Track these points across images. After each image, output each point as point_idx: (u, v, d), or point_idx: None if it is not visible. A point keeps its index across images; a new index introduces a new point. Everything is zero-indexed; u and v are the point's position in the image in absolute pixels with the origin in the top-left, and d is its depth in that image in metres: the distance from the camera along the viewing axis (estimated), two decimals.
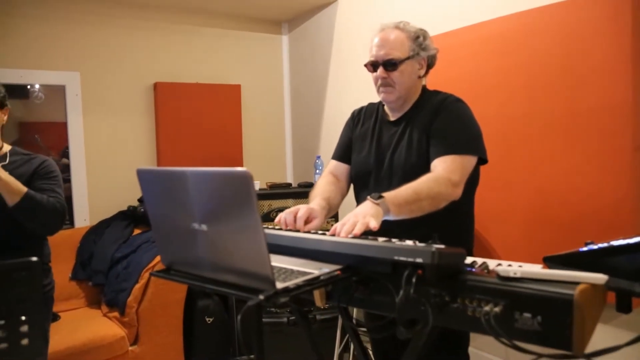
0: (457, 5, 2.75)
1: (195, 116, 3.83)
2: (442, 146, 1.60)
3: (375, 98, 1.86)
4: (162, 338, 2.94)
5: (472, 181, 1.65)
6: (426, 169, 1.59)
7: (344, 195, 1.86)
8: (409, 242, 1.07)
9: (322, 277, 1.02)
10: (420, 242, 1.08)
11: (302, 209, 1.49)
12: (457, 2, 2.74)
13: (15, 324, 1.09)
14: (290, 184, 3.76)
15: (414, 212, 1.46)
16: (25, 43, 3.34)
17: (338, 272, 1.05)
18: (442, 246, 1.01)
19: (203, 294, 3.20)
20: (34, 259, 1.05)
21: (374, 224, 1.28)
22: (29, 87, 5.31)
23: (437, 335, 1.13)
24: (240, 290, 0.96)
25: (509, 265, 1.05)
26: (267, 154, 4.28)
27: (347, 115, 1.97)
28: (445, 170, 1.53)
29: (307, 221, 1.48)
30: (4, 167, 1.78)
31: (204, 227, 0.99)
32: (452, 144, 1.58)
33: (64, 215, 1.89)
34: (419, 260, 0.99)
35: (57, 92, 3.57)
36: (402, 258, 1.01)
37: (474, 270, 1.06)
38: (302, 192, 3.33)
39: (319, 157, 3.53)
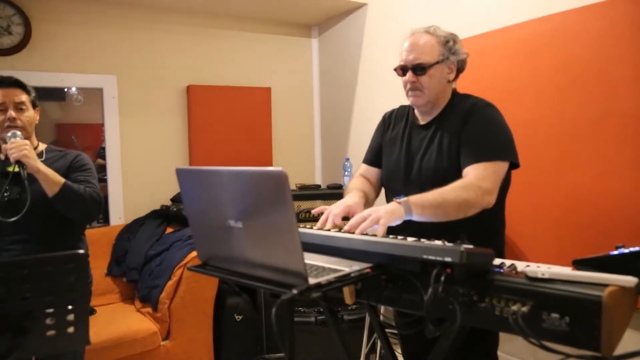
0: (487, 9, 2.74)
1: (226, 118, 3.91)
2: (473, 153, 1.59)
3: (405, 101, 1.88)
4: (192, 334, 3.01)
5: (504, 185, 1.64)
6: (456, 173, 1.60)
7: (376, 195, 1.89)
8: (438, 242, 1.09)
9: (352, 275, 1.05)
10: (449, 242, 1.10)
11: (339, 207, 1.53)
12: (488, 5, 2.74)
13: (62, 313, 1.16)
14: (319, 186, 3.80)
15: (439, 217, 1.47)
16: (66, 48, 3.47)
17: (368, 270, 1.09)
18: (471, 246, 1.03)
19: (233, 292, 3.27)
20: (81, 251, 1.11)
21: (383, 221, 1.32)
22: (65, 90, 5.49)
23: (466, 336, 1.15)
24: (273, 285, 1.00)
25: (538, 267, 1.06)
26: (296, 156, 4.33)
27: (376, 118, 1.99)
28: (476, 178, 1.53)
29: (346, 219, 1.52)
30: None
31: (239, 224, 1.04)
32: (484, 151, 1.58)
33: (100, 203, 1.97)
34: (448, 259, 1.01)
35: (92, 95, 3.69)
36: (431, 257, 1.03)
37: (502, 271, 1.08)
38: (331, 193, 3.37)
39: (347, 159, 3.56)
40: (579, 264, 1.12)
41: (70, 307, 1.17)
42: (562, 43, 2.31)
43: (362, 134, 3.77)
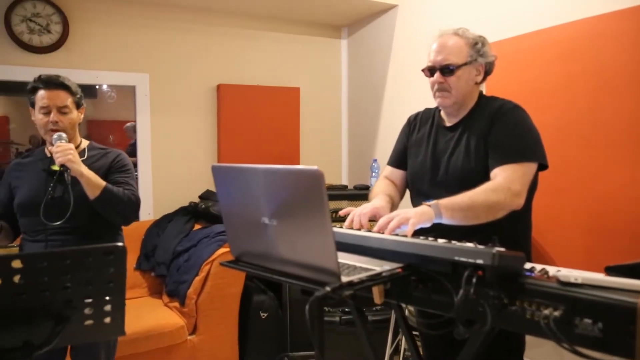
0: (520, 12, 2.71)
1: (255, 117, 3.95)
2: (501, 155, 1.59)
3: (434, 103, 1.88)
4: (218, 330, 3.06)
5: (531, 187, 1.64)
6: (483, 175, 1.60)
7: (401, 197, 1.90)
8: (469, 244, 1.10)
9: (384, 274, 1.06)
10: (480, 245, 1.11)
11: (367, 208, 1.55)
12: (520, 9, 2.71)
13: (100, 303, 1.20)
14: (346, 186, 3.82)
15: (469, 219, 1.47)
16: (101, 46, 3.56)
17: (399, 270, 1.10)
18: (503, 249, 1.03)
19: (259, 289, 3.31)
20: (120, 244, 1.15)
21: (413, 221, 1.33)
22: (97, 87, 5.64)
23: (494, 339, 1.15)
24: (306, 282, 1.02)
25: (570, 272, 1.05)
26: (323, 156, 4.35)
27: (404, 119, 1.99)
28: (505, 180, 1.53)
29: (372, 221, 1.53)
30: (82, 161, 1.92)
31: (273, 221, 1.06)
32: (512, 152, 1.58)
33: (138, 206, 2.02)
34: (480, 261, 1.01)
35: (122, 92, 3.76)
36: (462, 259, 1.04)
37: (532, 274, 1.08)
38: (357, 194, 3.38)
39: (375, 161, 3.56)
40: (611, 271, 1.11)
41: (107, 298, 1.21)
42: (595, 47, 2.27)
43: (390, 136, 3.77)
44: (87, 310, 1.20)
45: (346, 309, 2.96)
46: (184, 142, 3.87)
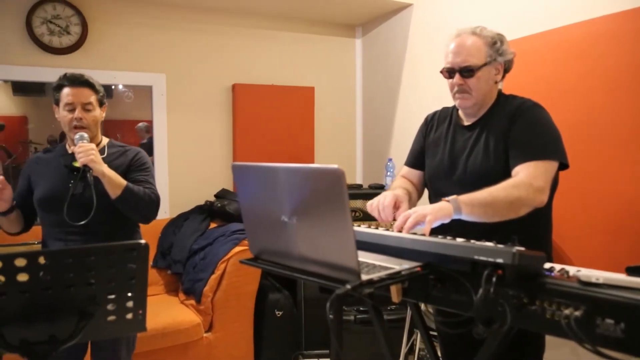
0: (537, 10, 2.69)
1: (270, 116, 3.97)
2: (522, 153, 1.58)
3: (449, 102, 1.87)
4: (234, 327, 3.08)
5: (552, 186, 1.62)
6: (503, 174, 1.59)
7: (419, 196, 1.89)
8: (489, 243, 1.10)
9: (403, 272, 1.06)
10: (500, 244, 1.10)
11: (388, 197, 1.56)
12: (537, 7, 2.69)
13: (123, 300, 1.23)
14: (360, 185, 3.82)
15: (489, 216, 1.46)
16: (118, 47, 3.61)
17: (418, 269, 1.10)
18: (522, 248, 1.03)
19: (274, 288, 3.33)
20: (143, 241, 1.17)
21: (430, 218, 1.32)
22: (113, 87, 5.70)
23: (513, 340, 1.15)
24: (326, 280, 1.03)
25: (590, 272, 1.05)
26: (338, 155, 4.36)
27: (419, 118, 1.99)
28: (527, 176, 1.52)
29: (394, 207, 1.55)
30: (102, 159, 1.95)
31: (293, 219, 1.07)
32: (533, 150, 1.57)
33: (158, 204, 2.05)
34: (499, 260, 1.01)
35: (137, 92, 3.79)
36: (482, 258, 1.04)
37: (552, 274, 1.07)
38: (372, 193, 3.37)
39: (390, 160, 3.56)
40: (632, 271, 1.10)
41: (130, 294, 1.23)
42: (613, 45, 2.25)
43: (405, 135, 3.76)
44: (110, 306, 1.22)
45: (361, 308, 2.96)
46: (199, 142, 3.90)
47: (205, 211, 3.64)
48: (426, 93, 3.56)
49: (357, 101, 4.48)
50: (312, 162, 4.12)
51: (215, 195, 3.80)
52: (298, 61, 4.21)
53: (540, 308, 1.03)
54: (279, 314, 3.21)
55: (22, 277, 1.08)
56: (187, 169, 3.85)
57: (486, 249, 1.04)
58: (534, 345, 1.66)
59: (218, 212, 3.53)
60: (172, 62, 3.78)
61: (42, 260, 1.10)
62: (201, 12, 3.83)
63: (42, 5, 3.31)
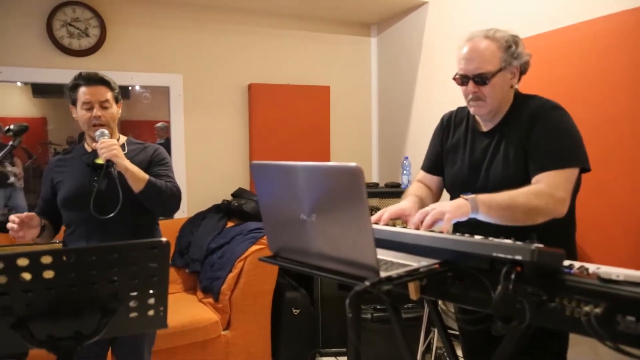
0: (554, 6, 2.67)
1: (286, 116, 3.99)
2: (543, 161, 1.54)
3: (464, 102, 1.86)
4: (251, 325, 3.11)
5: (574, 189, 1.59)
6: (524, 183, 1.55)
7: (435, 200, 1.86)
8: (508, 240, 1.09)
9: (421, 269, 1.07)
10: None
11: (393, 208, 1.55)
12: (553, 2, 2.67)
13: (145, 296, 1.25)
14: (377, 184, 3.82)
15: (506, 219, 1.44)
16: (136, 48, 3.66)
17: (437, 266, 1.10)
18: (541, 245, 1.03)
19: (291, 286, 3.34)
20: (164, 239, 1.19)
21: (449, 216, 1.32)
22: (130, 88, 5.77)
23: (536, 338, 1.14)
24: (345, 277, 1.03)
25: (610, 269, 1.04)
26: (353, 154, 4.37)
27: (436, 116, 1.96)
28: (548, 186, 1.49)
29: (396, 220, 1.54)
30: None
31: (312, 217, 1.08)
32: (554, 158, 1.53)
33: (180, 197, 2.08)
34: (518, 257, 1.01)
35: (153, 93, 3.81)
36: (500, 255, 1.04)
37: (572, 271, 1.07)
38: (388, 192, 3.39)
39: (406, 158, 3.55)
40: None
41: (151, 291, 1.25)
42: (634, 40, 2.22)
43: (421, 133, 3.75)
44: (132, 303, 1.25)
45: (378, 307, 2.96)
46: (216, 141, 3.94)
47: (223, 210, 3.68)
48: (442, 91, 3.54)
49: (372, 100, 4.48)
50: (328, 161, 4.13)
51: (232, 195, 3.83)
52: (313, 60, 4.23)
53: (560, 305, 1.02)
54: (296, 312, 3.22)
55: (48, 274, 1.10)
56: (204, 169, 3.89)
57: (505, 246, 1.04)
58: (558, 343, 1.65)
59: (235, 211, 3.56)
60: (188, 62, 3.82)
61: (66, 257, 1.12)
62: (217, 12, 3.87)
63: (62, 8, 3.38)
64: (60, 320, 1.18)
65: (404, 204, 1.64)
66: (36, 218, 1.90)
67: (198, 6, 3.78)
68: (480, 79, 1.60)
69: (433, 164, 1.88)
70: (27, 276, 1.09)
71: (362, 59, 4.43)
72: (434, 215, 1.33)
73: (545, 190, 1.48)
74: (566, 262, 1.11)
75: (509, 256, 1.03)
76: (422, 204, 1.71)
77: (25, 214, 1.85)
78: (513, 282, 1.03)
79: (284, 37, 4.12)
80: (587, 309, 0.97)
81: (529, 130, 1.60)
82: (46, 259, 1.09)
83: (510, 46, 1.61)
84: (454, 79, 1.68)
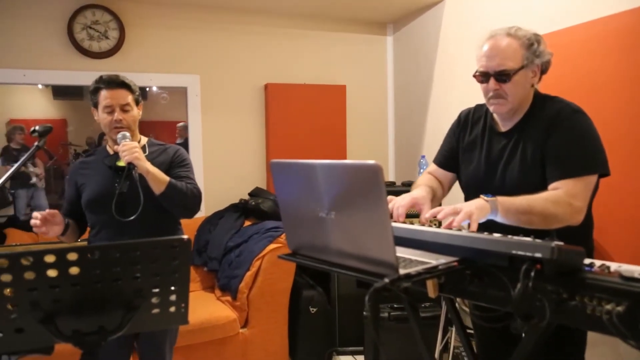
0: (572, 2, 2.64)
1: (302, 115, 4.01)
2: (561, 168, 1.53)
3: (482, 99, 1.84)
4: (269, 323, 3.13)
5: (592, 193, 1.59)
6: (541, 185, 1.55)
7: (444, 194, 1.86)
8: (527, 238, 1.09)
9: (440, 267, 1.07)
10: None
11: (406, 198, 1.54)
12: None
13: (166, 293, 1.27)
14: (393, 183, 3.82)
15: (522, 223, 1.44)
16: (154, 50, 3.71)
17: (455, 264, 1.10)
18: (561, 243, 1.02)
19: (308, 285, 3.36)
20: (185, 237, 1.21)
21: (475, 217, 1.32)
22: (147, 89, 5.84)
23: (553, 337, 1.14)
24: (364, 274, 1.04)
25: (632, 267, 1.03)
26: (370, 153, 4.36)
27: (452, 115, 1.95)
28: (567, 194, 1.48)
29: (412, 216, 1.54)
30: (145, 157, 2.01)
31: (331, 215, 1.09)
32: (572, 166, 1.52)
33: (200, 199, 2.10)
34: (538, 255, 1.01)
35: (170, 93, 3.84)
36: (520, 252, 1.04)
37: (592, 269, 1.06)
38: (405, 190, 3.36)
39: (423, 157, 3.55)
40: None
41: (173, 288, 1.27)
42: None
43: (437, 132, 3.74)
44: (154, 300, 1.27)
45: (395, 305, 2.96)
46: (233, 141, 3.97)
47: (240, 209, 3.70)
48: (459, 90, 3.53)
49: (388, 99, 4.48)
50: (345, 159, 4.14)
51: (250, 194, 3.86)
52: (329, 60, 4.24)
53: (581, 303, 1.02)
54: (313, 310, 3.24)
55: (74, 271, 1.13)
56: (222, 168, 3.93)
57: (524, 244, 1.04)
58: (575, 342, 1.63)
59: (252, 210, 3.59)
60: (206, 63, 3.86)
61: (91, 254, 1.15)
62: (233, 13, 3.90)
63: (82, 11, 3.44)
64: (85, 316, 1.21)
65: (417, 192, 1.63)
66: (59, 215, 1.94)
67: (215, 7, 3.81)
68: (502, 76, 1.58)
69: (445, 160, 1.88)
70: (53, 273, 1.12)
71: (378, 58, 4.43)
72: (465, 215, 1.32)
73: (564, 198, 1.47)
74: (586, 261, 1.11)
75: (528, 254, 1.03)
76: (434, 195, 1.71)
77: (48, 210, 1.89)
78: (533, 279, 1.03)
79: (300, 37, 4.13)
80: (608, 307, 0.96)
81: (548, 134, 1.58)
82: (72, 256, 1.12)
83: (532, 44, 1.60)
84: (474, 76, 1.66)
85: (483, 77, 1.63)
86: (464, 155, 1.82)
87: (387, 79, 4.46)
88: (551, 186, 1.53)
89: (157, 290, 1.25)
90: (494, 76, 1.60)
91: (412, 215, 1.56)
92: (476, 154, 1.76)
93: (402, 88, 4.32)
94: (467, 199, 1.82)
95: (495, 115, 1.75)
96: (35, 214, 1.86)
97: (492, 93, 1.62)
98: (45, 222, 1.88)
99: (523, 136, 1.64)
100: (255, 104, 4.03)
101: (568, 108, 1.60)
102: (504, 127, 1.72)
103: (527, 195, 1.46)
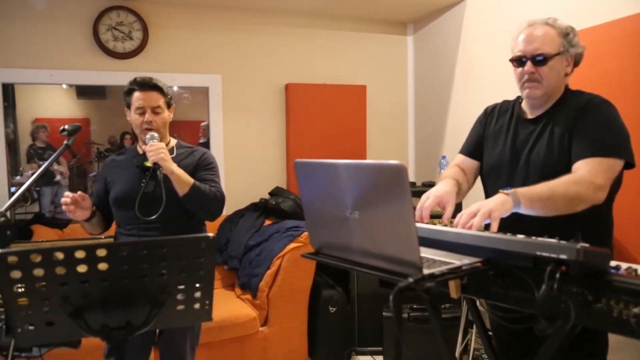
0: (594, 2, 2.60)
1: (322, 115, 4.03)
2: (586, 148, 1.54)
3: (504, 99, 1.84)
4: (289, 322, 3.15)
5: (615, 184, 1.58)
6: (566, 169, 1.55)
7: (470, 187, 1.85)
8: (551, 239, 1.08)
9: (464, 267, 1.07)
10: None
11: (430, 199, 1.54)
12: None
13: (191, 290, 1.29)
14: (413, 183, 3.81)
15: (548, 210, 1.44)
16: (176, 50, 3.76)
17: (479, 264, 1.10)
18: (587, 245, 1.01)
19: (327, 284, 3.37)
20: (210, 234, 1.23)
21: (496, 215, 1.31)
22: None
23: (575, 339, 1.13)
24: (388, 273, 1.05)
25: None
26: (390, 153, 4.36)
27: (473, 115, 1.95)
28: (588, 173, 1.49)
29: (436, 217, 1.53)
30: (172, 159, 2.04)
31: (355, 214, 1.10)
32: (598, 146, 1.53)
33: (223, 202, 2.13)
34: (563, 256, 1.00)
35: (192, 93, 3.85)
36: (544, 254, 1.03)
37: (619, 272, 1.05)
38: (425, 191, 3.36)
39: (444, 157, 3.53)
40: None
41: (197, 285, 1.30)
42: None
43: (458, 132, 3.72)
44: (179, 296, 1.29)
45: (415, 306, 2.96)
46: (254, 141, 4.01)
47: (260, 208, 3.73)
48: (480, 90, 3.50)
49: (409, 99, 4.47)
50: (365, 159, 4.14)
51: (270, 193, 3.88)
52: (350, 60, 4.24)
53: (607, 306, 1.01)
54: (332, 310, 3.25)
55: (103, 266, 1.16)
56: (242, 168, 3.96)
57: (549, 245, 1.03)
58: (597, 344, 1.62)
59: (273, 209, 3.61)
60: (227, 63, 3.90)
61: (119, 251, 1.18)
62: (254, 14, 3.93)
63: (107, 13, 3.50)
64: (113, 311, 1.24)
65: (442, 187, 1.62)
66: (88, 200, 1.98)
67: (236, 8, 3.85)
68: (539, 59, 1.62)
69: (472, 147, 1.88)
70: (83, 268, 1.15)
71: (399, 58, 4.42)
72: (483, 215, 1.32)
73: (585, 176, 1.48)
74: (612, 263, 1.10)
75: (553, 255, 1.02)
76: (459, 188, 1.71)
77: (79, 193, 1.94)
78: (558, 281, 1.02)
79: (320, 37, 4.15)
80: (636, 310, 0.95)
81: (576, 119, 1.60)
82: (101, 252, 1.14)
83: (568, 34, 1.65)
84: (511, 60, 1.70)
85: (519, 61, 1.67)
86: (487, 141, 1.83)
87: (408, 79, 4.45)
88: (574, 167, 1.55)
89: (182, 287, 1.27)
90: (530, 59, 1.64)
91: (435, 215, 1.56)
92: (501, 140, 1.77)
93: (422, 88, 4.30)
94: (488, 185, 1.83)
95: (524, 105, 1.77)
96: (67, 193, 1.90)
97: (527, 76, 1.65)
98: (75, 202, 1.92)
99: (551, 121, 1.66)
100: (275, 104, 4.05)
101: (598, 98, 1.64)
102: (532, 114, 1.74)
103: (550, 180, 1.46)
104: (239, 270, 3.37)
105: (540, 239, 1.09)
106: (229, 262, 3.47)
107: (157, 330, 2.09)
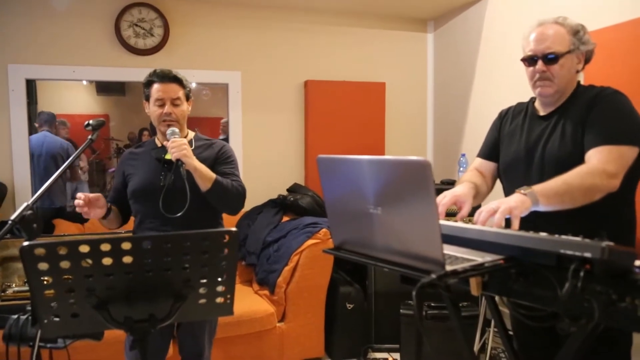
0: (613, 1, 2.56)
1: (341, 112, 4.02)
2: (597, 136, 1.55)
3: (524, 97, 1.84)
4: (306, 318, 3.16)
5: (634, 174, 1.57)
6: (581, 159, 1.56)
7: (489, 190, 1.86)
8: (575, 237, 1.07)
9: (486, 264, 1.07)
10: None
11: (447, 196, 1.55)
12: None
13: (213, 284, 1.31)
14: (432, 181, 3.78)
15: (566, 204, 1.45)
16: (197, 47, 3.79)
17: (502, 261, 1.10)
18: (612, 243, 1.00)
19: (345, 281, 3.38)
20: (234, 229, 1.25)
21: (517, 213, 1.31)
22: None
23: (598, 339, 1.12)
24: (410, 269, 1.05)
25: None
26: (409, 151, 4.34)
27: (493, 113, 1.96)
28: (600, 162, 1.50)
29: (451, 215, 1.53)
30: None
31: (377, 210, 1.10)
32: (609, 134, 1.53)
33: (244, 196, 2.14)
34: (587, 254, 0.99)
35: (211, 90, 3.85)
36: (568, 252, 1.02)
37: None
38: (444, 189, 3.34)
39: (463, 155, 3.51)
40: None
41: (220, 279, 1.31)
42: None
43: (478, 131, 3.69)
44: (201, 290, 1.31)
45: (432, 304, 2.95)
46: (272, 137, 4.02)
47: (278, 205, 3.75)
48: (500, 88, 3.47)
49: (428, 96, 4.44)
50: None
51: (288, 190, 3.90)
52: (369, 57, 4.23)
53: (631, 305, 1.00)
54: (349, 307, 3.26)
55: (127, 260, 1.18)
56: (261, 164, 3.99)
57: (573, 243, 1.02)
58: (620, 345, 1.60)
59: (291, 205, 3.62)
60: (246, 60, 3.92)
61: (144, 244, 1.20)
62: (274, 11, 3.94)
63: (129, 10, 3.55)
64: (137, 304, 1.26)
65: (459, 189, 1.64)
66: (102, 199, 2.00)
67: (256, 6, 3.87)
68: (550, 58, 1.64)
69: (489, 150, 1.90)
70: (108, 261, 1.17)
71: (419, 55, 4.40)
72: (503, 212, 1.32)
73: (598, 166, 1.49)
74: (637, 262, 1.09)
75: (577, 253, 1.01)
76: (477, 191, 1.72)
77: (93, 194, 1.96)
78: (581, 280, 1.01)
79: (340, 34, 4.14)
80: None
81: (588, 110, 1.61)
82: (126, 245, 1.16)
83: (578, 31, 1.67)
84: (522, 60, 1.71)
85: (530, 60, 1.69)
86: (503, 142, 1.85)
87: (427, 76, 4.43)
88: (587, 155, 1.56)
89: (204, 280, 1.29)
90: (541, 58, 1.66)
91: (451, 213, 1.56)
92: (516, 138, 1.79)
93: (442, 86, 4.27)
94: (505, 183, 1.84)
95: (536, 103, 1.79)
96: (80, 194, 1.92)
97: (538, 75, 1.67)
98: (88, 203, 1.94)
99: (564, 116, 1.68)
100: (295, 101, 4.06)
101: (609, 89, 1.66)
102: (544, 111, 1.75)
103: (565, 172, 1.47)
104: (257, 266, 3.40)
105: (564, 236, 1.08)
106: (247, 257, 3.50)
107: (176, 322, 2.11)
